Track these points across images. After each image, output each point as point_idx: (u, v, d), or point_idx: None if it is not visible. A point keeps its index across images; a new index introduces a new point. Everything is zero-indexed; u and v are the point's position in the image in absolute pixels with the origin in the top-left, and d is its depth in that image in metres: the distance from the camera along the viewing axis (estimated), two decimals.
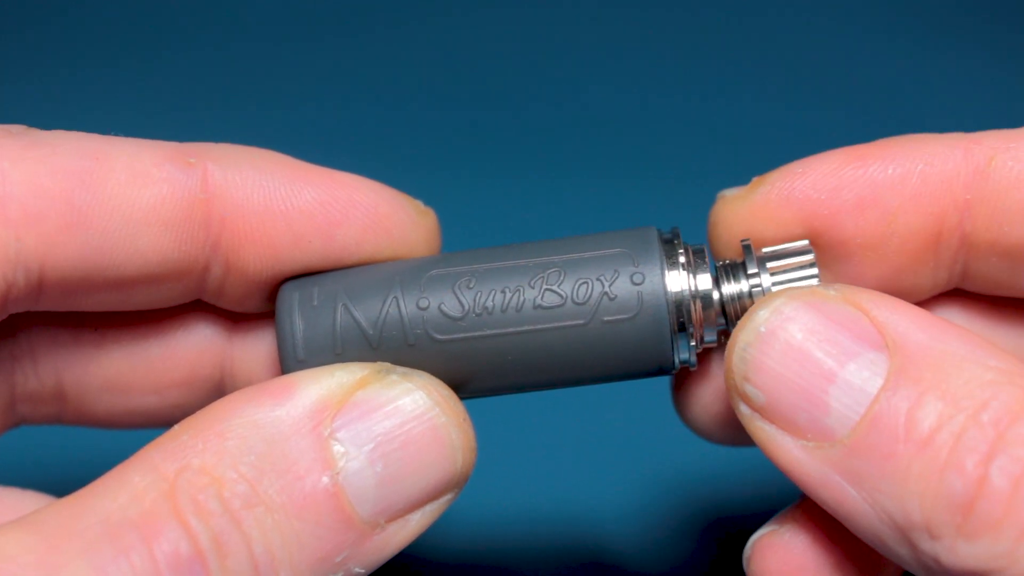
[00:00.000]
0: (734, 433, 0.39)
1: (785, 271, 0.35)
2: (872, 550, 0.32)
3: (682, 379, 0.39)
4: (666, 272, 0.34)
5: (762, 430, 0.32)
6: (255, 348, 0.39)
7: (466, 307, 0.34)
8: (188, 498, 0.29)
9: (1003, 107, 0.66)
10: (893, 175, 0.35)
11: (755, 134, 0.68)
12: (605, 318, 0.34)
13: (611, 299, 0.34)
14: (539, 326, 0.34)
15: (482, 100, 0.71)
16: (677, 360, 0.35)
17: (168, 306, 0.37)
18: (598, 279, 0.34)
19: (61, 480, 0.36)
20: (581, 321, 0.34)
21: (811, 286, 0.34)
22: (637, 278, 0.34)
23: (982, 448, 0.29)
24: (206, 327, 0.39)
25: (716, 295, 0.35)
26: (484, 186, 0.66)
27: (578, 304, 0.34)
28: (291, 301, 0.35)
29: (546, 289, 0.34)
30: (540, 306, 0.34)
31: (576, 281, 0.34)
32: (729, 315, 0.35)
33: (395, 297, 0.35)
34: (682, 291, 0.34)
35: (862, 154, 0.35)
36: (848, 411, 0.31)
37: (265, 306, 0.38)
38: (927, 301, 0.38)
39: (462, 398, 0.35)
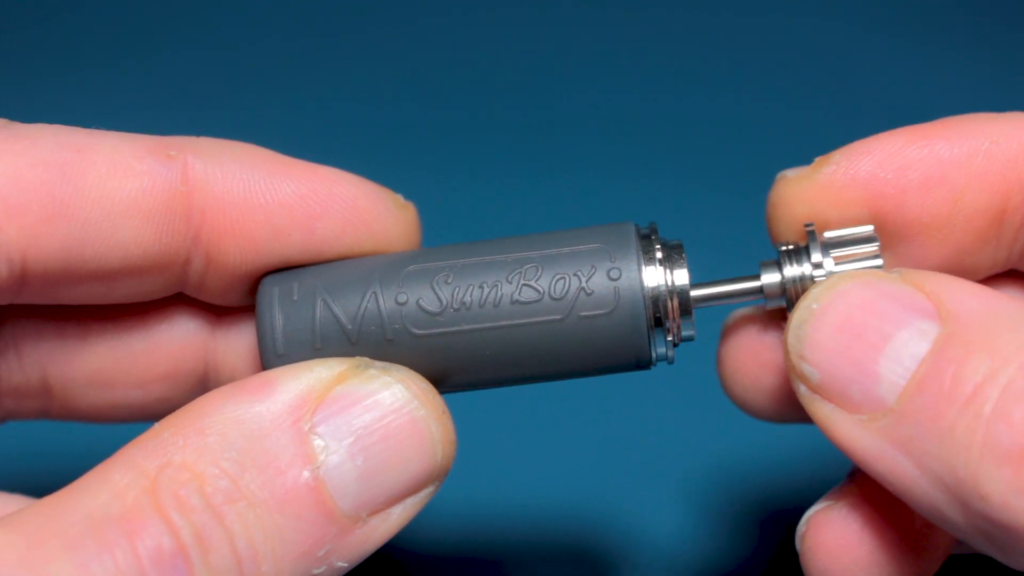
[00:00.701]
0: (783, 408, 0.39)
1: (850, 259, 0.35)
2: (926, 526, 0.33)
3: (730, 353, 0.39)
4: (643, 267, 0.35)
5: (820, 410, 0.32)
6: (238, 342, 0.40)
7: (444, 302, 0.35)
8: (170, 494, 0.30)
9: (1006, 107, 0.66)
10: (959, 153, 0.35)
11: (739, 132, 0.68)
12: (582, 313, 0.34)
13: (588, 294, 0.34)
14: (516, 321, 0.34)
15: (466, 96, 0.71)
16: (654, 355, 0.35)
17: (150, 299, 0.38)
18: (575, 274, 0.35)
19: (43, 479, 0.36)
20: (558, 316, 0.34)
21: (865, 270, 0.34)
22: (614, 273, 0.34)
23: None
24: (189, 321, 0.39)
25: (777, 278, 0.36)
26: (467, 181, 0.66)
27: (555, 299, 0.34)
28: (271, 296, 0.36)
29: (523, 284, 0.35)
30: (517, 301, 0.34)
31: (553, 276, 0.35)
32: (791, 299, 0.36)
33: (374, 292, 0.35)
34: (659, 286, 0.35)
35: (926, 133, 0.35)
36: (897, 378, 0.31)
37: (247, 300, 0.38)
38: (983, 281, 0.37)
39: (441, 392, 0.35)
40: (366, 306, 0.35)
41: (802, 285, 0.35)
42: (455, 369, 0.35)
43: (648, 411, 0.56)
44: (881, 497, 0.35)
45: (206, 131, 0.37)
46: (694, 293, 0.36)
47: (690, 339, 0.36)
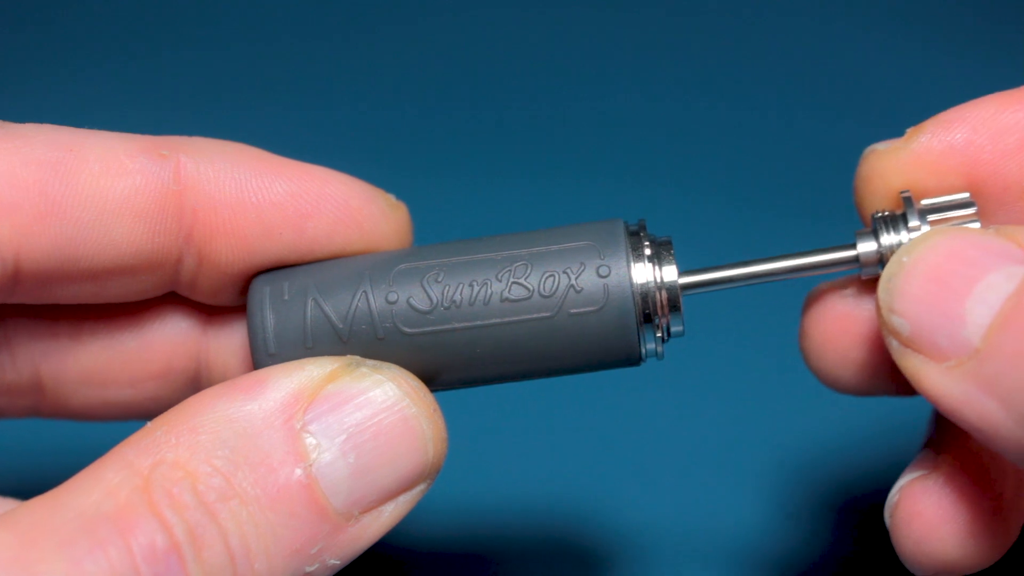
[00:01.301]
0: (867, 380, 0.39)
1: (947, 223, 0.35)
2: (1017, 493, 0.33)
3: (814, 325, 0.39)
4: (632, 264, 0.35)
5: (910, 363, 0.32)
6: (230, 341, 0.40)
7: (434, 301, 0.35)
8: (163, 492, 0.30)
9: None
10: None
11: (729, 132, 0.68)
12: (572, 310, 0.35)
13: (577, 292, 0.35)
14: (506, 319, 0.35)
15: (459, 96, 0.71)
16: (644, 351, 0.35)
17: (143, 299, 0.38)
18: (564, 272, 0.35)
19: (34, 479, 0.36)
20: (548, 314, 0.35)
21: (957, 226, 0.34)
22: (603, 271, 0.35)
23: None
24: (181, 320, 0.40)
25: (874, 247, 0.36)
26: (459, 180, 0.67)
27: (545, 297, 0.35)
28: (262, 295, 0.36)
29: (513, 282, 0.35)
30: (507, 299, 0.35)
31: (543, 274, 0.35)
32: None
33: (364, 291, 0.35)
34: (647, 283, 0.35)
35: (1019, 98, 0.35)
36: (982, 319, 0.31)
37: (238, 299, 0.38)
38: None
39: (433, 390, 0.35)
40: (357, 305, 0.35)
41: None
42: (446, 367, 0.35)
43: (642, 404, 0.56)
44: (976, 465, 0.35)
45: (197, 130, 0.37)
46: (785, 264, 0.36)
47: (679, 335, 0.36)
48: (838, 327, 0.38)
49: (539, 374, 0.36)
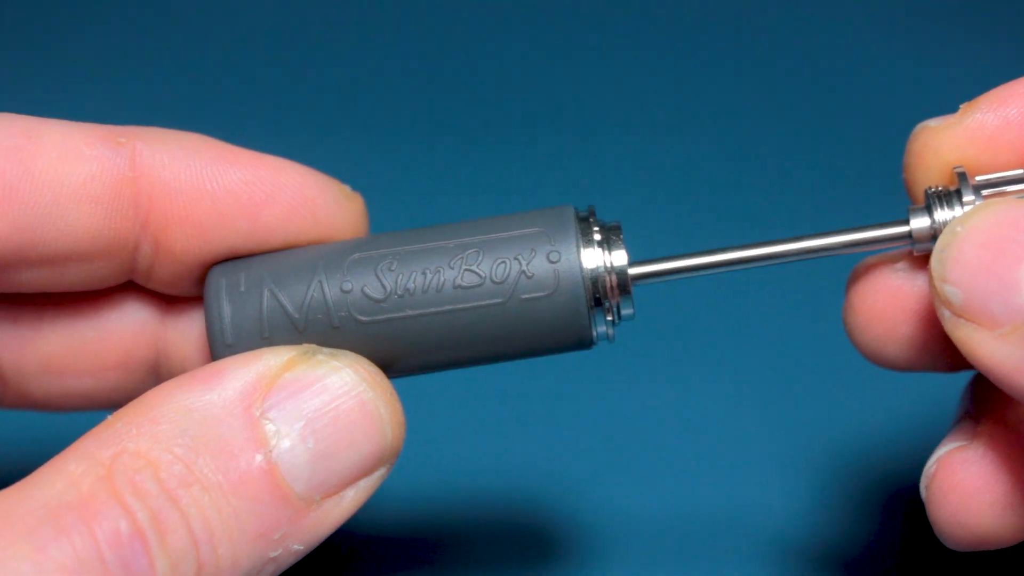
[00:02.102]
0: (917, 355, 0.38)
1: (999, 186, 0.35)
2: None
3: (861, 300, 0.39)
4: (581, 249, 0.35)
5: (963, 332, 0.32)
6: (188, 331, 0.40)
7: (388, 289, 0.35)
8: (125, 480, 0.30)
9: None
10: None
11: (689, 117, 0.69)
12: (523, 296, 0.35)
13: (528, 277, 0.35)
14: (459, 306, 0.35)
15: (414, 80, 0.72)
16: (595, 334, 0.36)
17: (102, 287, 0.38)
18: (515, 258, 0.35)
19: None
20: (500, 300, 0.35)
21: (1010, 197, 0.34)
22: (553, 256, 0.35)
23: None
24: (140, 310, 0.40)
25: (927, 222, 0.35)
26: (414, 165, 0.67)
27: (497, 283, 0.35)
28: (218, 286, 0.36)
29: (465, 269, 0.35)
30: (460, 286, 0.35)
31: (494, 261, 0.35)
32: None
33: (319, 281, 0.36)
34: (597, 267, 0.35)
35: None
36: None
37: (196, 290, 0.38)
38: None
39: (390, 377, 0.36)
40: (312, 295, 0.36)
41: None
42: (401, 354, 0.36)
43: (598, 387, 0.57)
44: (1016, 436, 0.35)
45: (151, 121, 0.38)
46: (838, 240, 0.36)
47: (630, 318, 0.37)
48: (887, 301, 0.38)
49: (493, 359, 0.37)
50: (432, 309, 0.35)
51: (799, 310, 0.58)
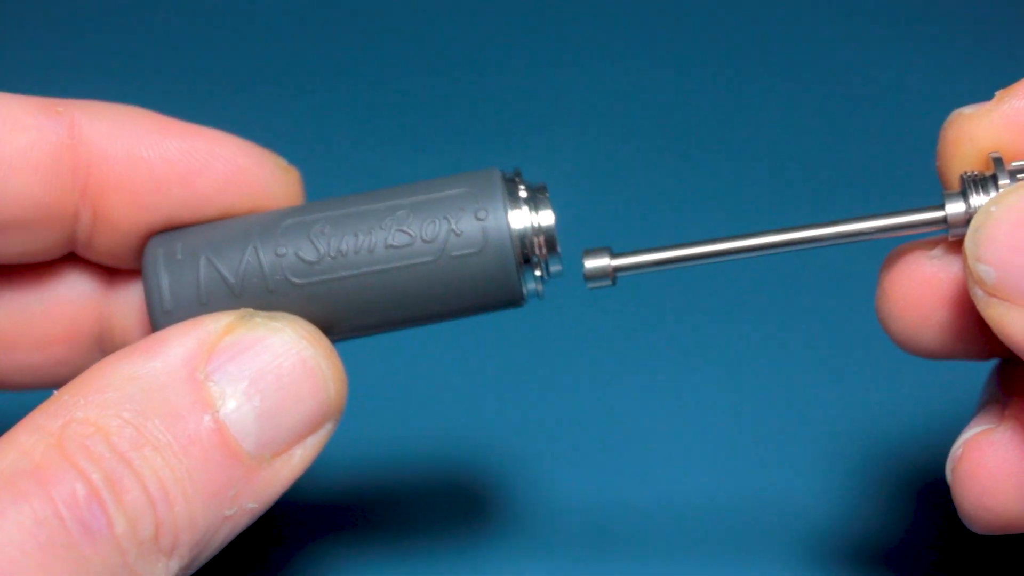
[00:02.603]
0: (952, 342, 0.38)
1: None
2: None
3: (895, 287, 0.38)
4: (508, 206, 0.36)
5: (996, 311, 0.33)
6: (129, 304, 0.41)
7: (321, 251, 0.36)
8: (77, 445, 0.31)
9: None
10: None
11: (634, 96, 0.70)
12: (453, 253, 0.36)
13: (458, 235, 0.36)
14: (391, 265, 0.36)
15: (353, 51, 0.73)
16: (525, 291, 0.37)
17: (44, 258, 0.39)
18: (444, 217, 0.36)
19: None
20: (430, 258, 0.36)
21: None
22: (481, 214, 0.36)
23: None
24: (84, 283, 0.41)
25: (962, 207, 0.35)
26: (350, 141, 0.68)
27: (427, 242, 0.36)
28: (155, 256, 0.37)
29: (396, 230, 0.36)
30: (391, 246, 0.36)
31: (424, 220, 0.36)
32: None
33: (254, 247, 0.36)
34: (523, 223, 0.37)
35: None
36: None
37: (136, 262, 0.39)
38: None
39: (331, 341, 0.37)
40: (247, 260, 0.36)
41: None
42: (338, 315, 0.37)
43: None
44: None
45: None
46: (872, 224, 0.36)
47: (558, 274, 0.38)
48: (921, 288, 0.38)
49: (429, 318, 0.38)
50: (365, 269, 0.36)
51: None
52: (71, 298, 0.41)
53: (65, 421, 0.31)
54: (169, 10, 0.76)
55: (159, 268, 0.37)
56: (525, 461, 0.53)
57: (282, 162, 0.39)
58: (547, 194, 0.37)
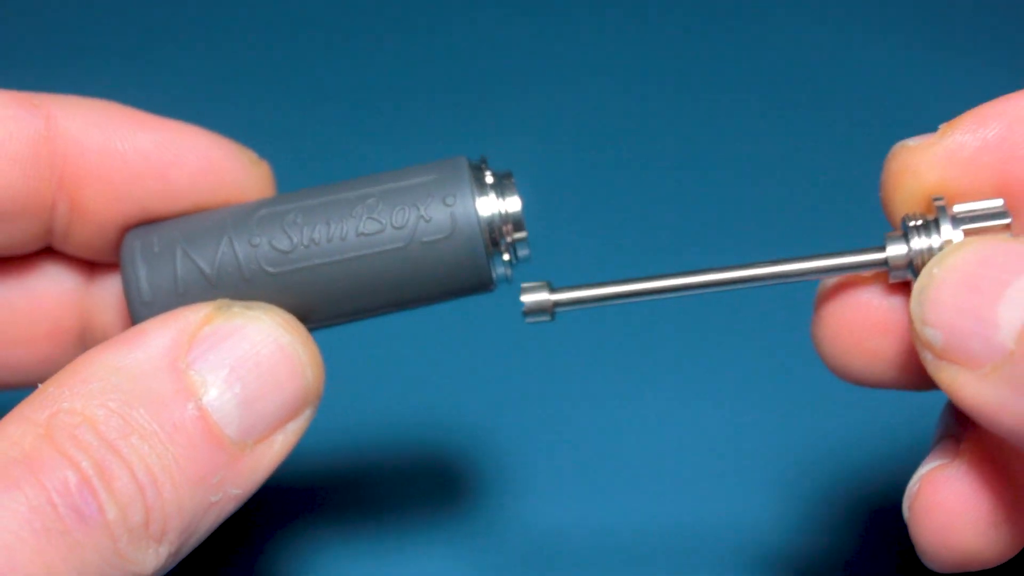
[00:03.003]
0: (885, 371, 0.38)
1: (976, 220, 0.34)
2: None
3: (830, 318, 0.38)
4: (475, 192, 0.37)
5: (946, 375, 0.32)
6: (109, 299, 0.42)
7: (294, 240, 0.37)
8: (65, 435, 0.32)
9: None
10: None
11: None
12: (423, 239, 0.37)
13: (427, 221, 0.37)
14: (363, 252, 0.37)
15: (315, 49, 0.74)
16: (494, 274, 0.38)
17: (23, 251, 0.39)
18: (414, 204, 0.37)
19: None
20: (401, 244, 0.37)
21: (985, 235, 0.34)
22: (449, 200, 0.37)
23: None
24: (64, 278, 0.41)
25: (903, 250, 0.35)
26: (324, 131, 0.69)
27: (397, 228, 0.37)
28: (133, 248, 0.38)
29: (367, 218, 0.37)
30: (362, 233, 0.37)
31: (394, 207, 0.37)
32: (917, 272, 0.35)
33: (229, 237, 0.37)
34: (490, 208, 0.37)
35: None
36: (1015, 321, 0.31)
37: (113, 256, 0.40)
38: None
39: (308, 329, 0.37)
40: (223, 251, 0.37)
41: (930, 259, 0.34)
42: (313, 303, 0.37)
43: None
44: (999, 454, 0.35)
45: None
46: (813, 265, 0.36)
47: (526, 258, 0.38)
48: (855, 315, 0.38)
49: (402, 304, 0.38)
50: (337, 257, 0.37)
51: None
52: (52, 294, 0.41)
53: (52, 412, 0.32)
54: (141, 7, 0.76)
55: (137, 260, 0.38)
56: (495, 444, 0.54)
57: (253, 155, 0.40)
58: (513, 180, 0.38)
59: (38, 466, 0.31)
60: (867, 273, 0.37)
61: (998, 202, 0.35)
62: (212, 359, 0.34)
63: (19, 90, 0.38)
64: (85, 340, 0.42)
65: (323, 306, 0.38)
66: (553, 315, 0.37)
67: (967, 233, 0.34)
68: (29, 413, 0.32)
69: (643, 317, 0.59)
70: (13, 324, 0.41)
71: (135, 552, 0.32)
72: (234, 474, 0.34)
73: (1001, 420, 0.31)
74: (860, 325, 0.38)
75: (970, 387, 0.32)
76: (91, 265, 0.42)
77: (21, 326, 0.41)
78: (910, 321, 0.33)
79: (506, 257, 0.38)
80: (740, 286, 0.36)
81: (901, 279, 0.36)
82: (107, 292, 0.42)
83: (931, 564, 0.37)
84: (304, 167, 0.51)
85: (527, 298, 0.37)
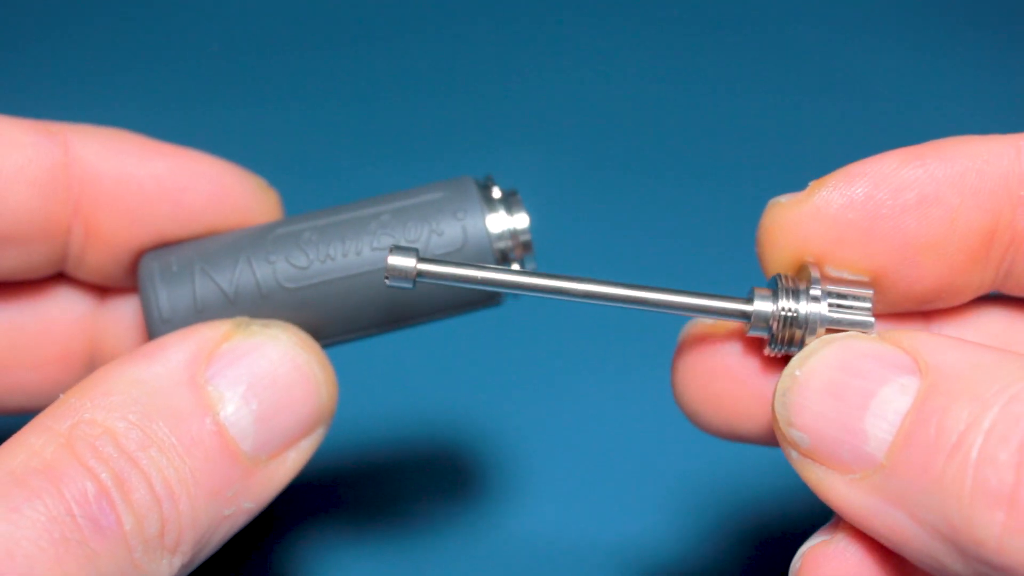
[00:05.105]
0: (737, 424, 0.38)
1: (842, 309, 0.35)
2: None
3: (687, 368, 0.39)
4: (484, 208, 0.38)
5: (813, 473, 0.33)
6: (119, 324, 0.42)
7: (311, 256, 0.38)
8: (86, 446, 0.32)
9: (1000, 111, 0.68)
10: (953, 172, 0.35)
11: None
12: (436, 253, 0.38)
13: (439, 235, 0.38)
14: (378, 266, 0.38)
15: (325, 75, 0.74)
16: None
17: (37, 276, 0.40)
18: (425, 219, 0.38)
19: None
20: None
21: (845, 334, 0.34)
22: (460, 214, 0.38)
23: (1015, 438, 0.29)
24: (75, 303, 0.42)
25: (770, 308, 0.36)
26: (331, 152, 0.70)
27: (410, 242, 0.38)
28: (151, 269, 0.39)
29: (381, 233, 0.38)
30: (377, 248, 0.38)
31: (406, 223, 0.38)
32: (775, 334, 0.36)
33: (246, 256, 0.38)
34: (500, 223, 0.38)
35: (920, 153, 0.35)
36: (884, 434, 0.31)
37: (125, 280, 0.41)
38: (970, 305, 0.38)
39: (322, 346, 0.38)
40: (240, 269, 0.38)
41: (791, 330, 0.35)
42: (328, 319, 0.38)
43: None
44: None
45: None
46: (677, 300, 0.36)
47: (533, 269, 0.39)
48: (710, 369, 0.38)
49: (414, 318, 0.39)
50: (353, 271, 0.38)
51: None
52: (63, 319, 0.42)
53: (73, 422, 0.33)
54: (144, 27, 0.77)
55: (156, 280, 0.38)
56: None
57: (262, 182, 0.41)
58: (519, 197, 0.39)
59: (58, 476, 0.31)
60: (728, 323, 0.37)
61: (867, 296, 0.35)
62: (230, 375, 0.35)
63: (36, 118, 0.39)
64: (94, 364, 0.42)
65: (338, 321, 0.39)
66: (415, 283, 0.35)
67: (829, 329, 0.35)
68: (51, 423, 0.33)
69: (563, 327, 0.59)
70: (23, 348, 0.41)
71: (150, 562, 0.32)
72: (248, 488, 0.35)
73: (873, 525, 0.32)
74: (712, 381, 0.38)
75: (840, 490, 0.33)
76: (101, 290, 0.42)
77: (31, 349, 0.42)
78: (774, 419, 0.34)
79: (515, 267, 0.39)
80: (598, 302, 0.36)
81: (759, 335, 0.36)
82: (117, 316, 0.42)
83: None
84: (306, 187, 0.51)
85: (393, 260, 0.35)
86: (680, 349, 0.39)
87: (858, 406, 0.32)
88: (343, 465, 0.54)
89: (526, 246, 0.39)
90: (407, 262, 0.34)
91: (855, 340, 0.34)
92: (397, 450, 0.55)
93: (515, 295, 0.38)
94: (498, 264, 0.38)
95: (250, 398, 0.35)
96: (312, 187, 0.64)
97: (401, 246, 0.35)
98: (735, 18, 0.76)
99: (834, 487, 0.33)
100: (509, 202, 0.39)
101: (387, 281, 0.35)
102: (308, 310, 0.38)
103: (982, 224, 0.35)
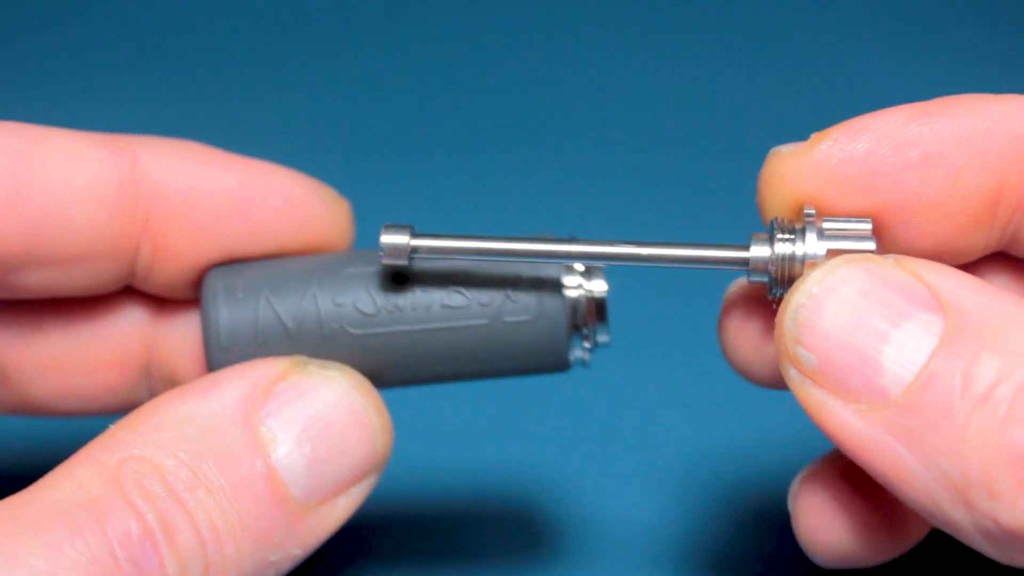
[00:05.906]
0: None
1: (841, 238, 0.34)
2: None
3: (732, 322, 0.39)
4: (563, 276, 0.37)
5: (812, 395, 0.32)
6: (179, 333, 0.41)
7: (379, 305, 0.37)
8: (133, 483, 0.31)
9: None
10: (960, 132, 0.34)
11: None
12: (507, 319, 0.37)
13: (513, 302, 0.37)
14: (446, 324, 0.37)
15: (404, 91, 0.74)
16: (572, 359, 0.38)
17: (104, 291, 0.39)
18: (500, 282, 0.37)
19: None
20: (484, 321, 0.37)
21: (866, 253, 0.33)
22: (537, 283, 0.37)
23: None
24: (135, 311, 0.41)
25: (766, 253, 0.35)
26: (406, 175, 0.69)
27: (483, 305, 0.37)
28: (215, 290, 0.38)
29: (453, 290, 0.37)
30: (447, 306, 0.37)
31: (480, 283, 0.37)
32: (775, 278, 0.35)
33: (313, 293, 0.37)
34: (577, 295, 0.37)
35: (927, 110, 0.34)
36: (903, 371, 0.31)
37: (189, 293, 0.40)
38: (974, 264, 0.37)
39: (376, 388, 0.37)
40: (306, 305, 0.37)
41: (790, 266, 0.35)
42: (388, 367, 0.37)
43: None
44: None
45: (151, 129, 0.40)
46: (674, 252, 0.36)
47: (605, 344, 0.38)
48: (755, 322, 0.39)
49: (475, 376, 0.38)
50: (420, 326, 0.37)
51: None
52: (123, 327, 0.41)
53: (123, 457, 0.32)
54: (144, 27, 0.77)
55: (219, 303, 0.37)
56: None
57: (333, 193, 0.40)
58: (602, 270, 0.38)
59: (103, 514, 0.31)
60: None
61: (866, 224, 0.35)
62: (285, 416, 0.34)
63: (105, 132, 0.38)
64: (152, 372, 0.41)
65: (397, 371, 0.38)
66: (411, 260, 0.35)
67: (831, 253, 0.34)
68: (99, 455, 0.32)
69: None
70: (82, 355, 0.41)
71: None
72: (295, 534, 0.34)
73: (873, 459, 0.31)
74: (758, 331, 0.38)
75: (843, 417, 0.32)
76: (161, 298, 0.41)
77: (90, 357, 0.41)
78: (778, 333, 0.33)
79: (586, 344, 0.38)
80: (599, 262, 0.36)
81: (759, 281, 0.36)
82: (178, 327, 0.41)
83: (813, 560, 0.38)
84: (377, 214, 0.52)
85: (387, 238, 0.35)
86: (725, 309, 0.39)
87: (877, 337, 0.31)
88: (391, 511, 0.53)
89: (601, 316, 0.38)
90: (400, 239, 0.35)
91: (877, 265, 0.32)
92: (448, 499, 0.54)
93: (583, 364, 0.38)
94: (569, 334, 0.37)
95: (303, 441, 0.34)
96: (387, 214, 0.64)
97: (393, 225, 0.35)
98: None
99: (836, 414, 0.32)
100: (590, 270, 0.38)
101: (382, 260, 0.35)
102: (369, 356, 0.37)
103: (988, 186, 0.34)
